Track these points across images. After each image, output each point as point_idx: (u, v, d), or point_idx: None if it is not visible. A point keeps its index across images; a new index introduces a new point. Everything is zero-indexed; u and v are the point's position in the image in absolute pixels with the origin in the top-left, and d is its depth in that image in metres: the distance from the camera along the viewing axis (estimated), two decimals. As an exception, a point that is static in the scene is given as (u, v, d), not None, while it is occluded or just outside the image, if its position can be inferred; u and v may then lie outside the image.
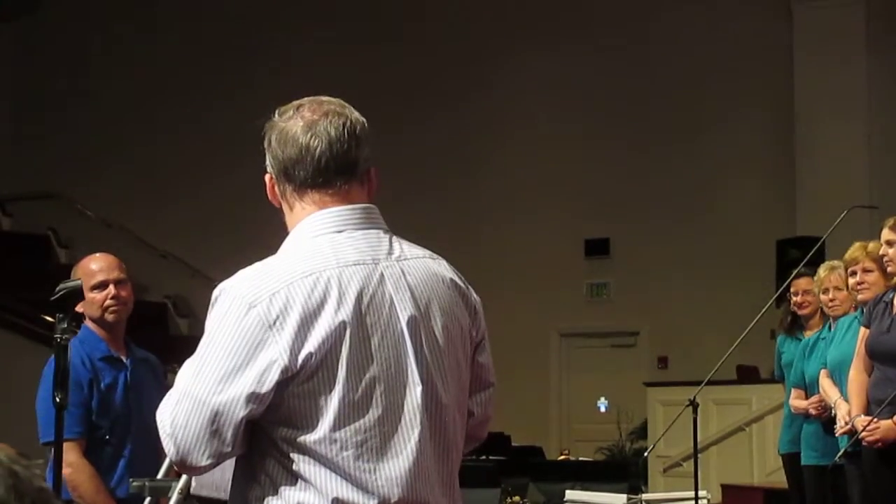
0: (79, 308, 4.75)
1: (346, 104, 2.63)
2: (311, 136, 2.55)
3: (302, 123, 2.56)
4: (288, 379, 2.40)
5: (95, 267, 4.85)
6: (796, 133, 13.80)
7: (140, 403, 4.74)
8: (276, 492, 2.45)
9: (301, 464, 2.43)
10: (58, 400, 3.51)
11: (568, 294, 15.38)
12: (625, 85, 15.13)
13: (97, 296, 4.80)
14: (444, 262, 2.67)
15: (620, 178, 15.08)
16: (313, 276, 2.46)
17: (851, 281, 6.29)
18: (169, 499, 3.98)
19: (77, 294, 3.68)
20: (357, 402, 2.43)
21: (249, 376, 2.39)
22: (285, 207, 2.63)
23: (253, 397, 2.40)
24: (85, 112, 16.74)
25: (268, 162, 2.63)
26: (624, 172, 15.06)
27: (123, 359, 4.87)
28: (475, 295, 2.71)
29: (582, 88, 15.36)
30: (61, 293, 3.60)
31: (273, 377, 2.39)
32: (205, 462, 2.46)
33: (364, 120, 2.62)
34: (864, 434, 5.61)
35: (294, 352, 2.40)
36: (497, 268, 14.47)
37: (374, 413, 2.44)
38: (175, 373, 2.54)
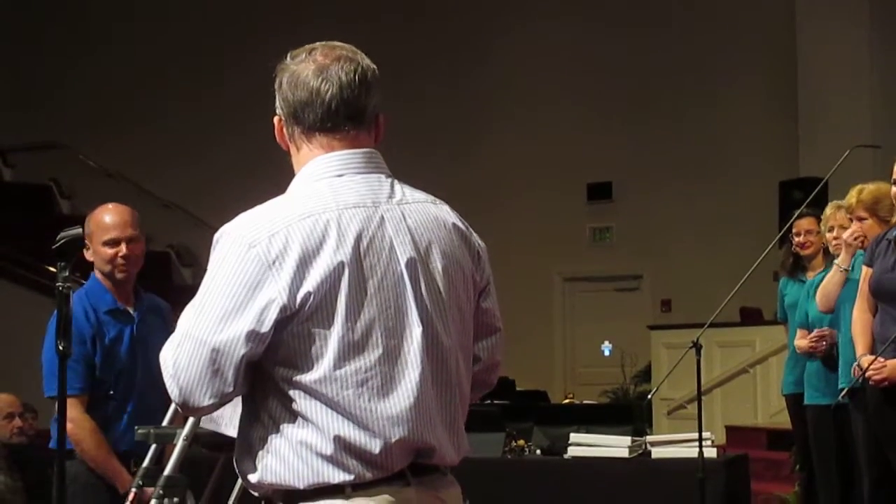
0: (88, 257, 4.72)
1: (358, 50, 2.65)
2: (322, 80, 2.57)
3: (314, 67, 2.58)
4: (287, 318, 2.43)
5: (109, 222, 4.77)
6: (799, 74, 13.74)
7: (147, 357, 4.65)
8: (278, 430, 2.48)
9: (302, 403, 2.45)
10: (61, 348, 3.50)
11: (571, 238, 15.39)
12: (626, 26, 15.04)
13: (108, 251, 4.75)
14: (446, 207, 2.68)
15: (622, 121, 15.04)
16: (312, 217, 2.48)
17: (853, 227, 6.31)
18: (174, 446, 4.01)
19: (78, 242, 3.65)
20: (356, 342, 2.46)
21: (249, 315, 2.42)
22: (293, 149, 2.65)
23: (252, 336, 2.42)
24: (86, 61, 16.66)
25: (277, 104, 2.65)
26: (626, 116, 15.02)
27: (131, 311, 4.83)
28: (479, 240, 2.72)
29: (583, 30, 15.28)
30: (62, 241, 3.58)
31: (272, 316, 2.42)
32: (207, 402, 2.49)
33: (375, 66, 2.64)
34: (870, 373, 5.61)
35: (293, 291, 2.42)
36: (500, 213, 14.45)
37: (373, 353, 2.47)
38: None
